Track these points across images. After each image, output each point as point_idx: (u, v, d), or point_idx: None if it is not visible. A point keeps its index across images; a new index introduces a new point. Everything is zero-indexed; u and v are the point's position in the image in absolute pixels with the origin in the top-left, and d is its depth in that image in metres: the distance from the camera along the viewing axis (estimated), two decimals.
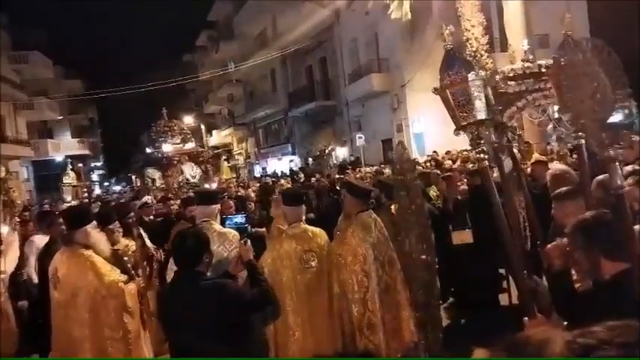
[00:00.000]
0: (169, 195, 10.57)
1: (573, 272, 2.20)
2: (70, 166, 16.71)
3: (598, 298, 1.84)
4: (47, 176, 32.03)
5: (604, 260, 1.88)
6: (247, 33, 30.72)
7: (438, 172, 7.82)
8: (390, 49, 19.72)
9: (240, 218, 3.71)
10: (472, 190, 6.03)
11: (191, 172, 12.74)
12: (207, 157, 13.98)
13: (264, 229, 6.02)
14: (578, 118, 1.89)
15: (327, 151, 23.39)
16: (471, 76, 2.57)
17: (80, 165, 27.26)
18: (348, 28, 22.32)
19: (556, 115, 4.01)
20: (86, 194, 16.90)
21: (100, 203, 12.33)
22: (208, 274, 2.79)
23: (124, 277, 3.68)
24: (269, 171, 26.29)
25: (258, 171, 29.73)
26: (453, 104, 2.62)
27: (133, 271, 3.86)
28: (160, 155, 12.98)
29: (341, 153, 23.48)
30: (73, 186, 15.56)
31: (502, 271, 5.99)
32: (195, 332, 2.51)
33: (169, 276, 3.34)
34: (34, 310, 4.94)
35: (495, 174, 3.36)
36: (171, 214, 7.69)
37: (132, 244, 4.37)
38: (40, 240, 5.22)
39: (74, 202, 12.74)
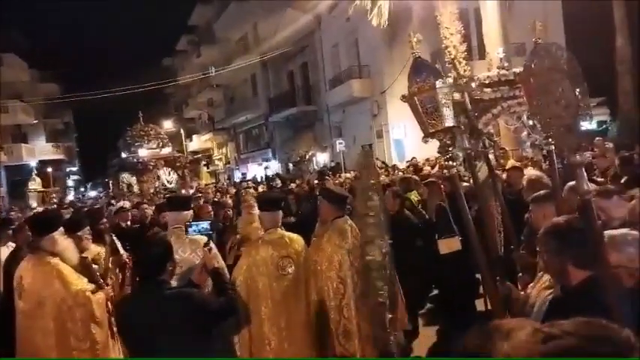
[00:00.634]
0: (144, 200, 10.39)
1: (544, 279, 2.20)
2: (35, 172, 16.34)
3: (566, 305, 1.83)
4: (20, 181, 31.23)
5: (571, 267, 1.88)
6: (228, 38, 30.60)
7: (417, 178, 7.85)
8: (371, 55, 19.86)
9: (205, 224, 3.62)
10: (449, 197, 6.04)
11: (167, 177, 12.55)
12: (184, 162, 13.82)
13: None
14: (547, 124, 1.90)
15: (307, 157, 23.37)
16: (438, 83, 2.56)
17: (49, 170, 26.62)
18: (329, 34, 22.42)
19: (530, 122, 4.05)
20: (55, 200, 16.51)
21: (72, 209, 12.04)
22: (174, 283, 2.71)
23: (92, 286, 3.56)
24: (249, 176, 26.11)
25: (237, 176, 29.51)
26: (421, 111, 2.61)
27: (101, 280, 3.75)
28: (135, 160, 12.77)
29: (321, 158, 23.49)
30: (39, 192, 15.20)
31: (478, 276, 6.01)
32: (157, 345, 2.41)
33: None
34: None
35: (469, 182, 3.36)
36: (145, 220, 7.53)
37: (103, 251, 4.25)
38: (6, 250, 5.03)
39: (40, 209, 12.40)
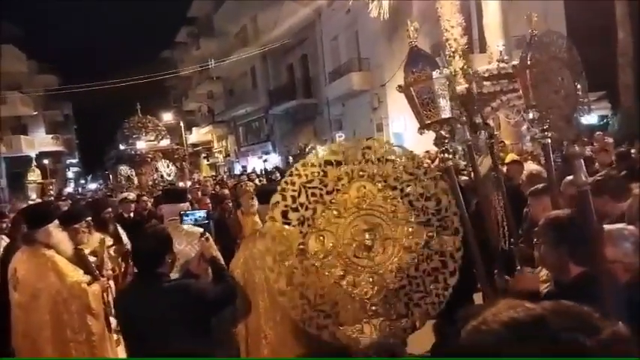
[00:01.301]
0: (142, 193, 10.36)
1: (542, 274, 2.18)
2: (34, 163, 16.29)
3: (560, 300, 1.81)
4: (20, 173, 31.18)
5: (568, 260, 1.86)
6: (228, 30, 30.41)
7: None
8: (371, 48, 19.75)
9: (201, 213, 3.56)
10: None
11: (166, 169, 12.51)
12: (182, 154, 13.78)
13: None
14: (544, 115, 1.86)
15: (307, 150, 23.32)
16: (435, 73, 2.52)
17: (46, 162, 26.52)
18: (329, 27, 22.27)
19: (530, 116, 4.02)
20: (53, 192, 16.46)
21: (70, 201, 12.00)
22: (176, 275, 2.69)
23: (87, 278, 3.54)
24: (249, 169, 26.06)
25: (238, 169, 29.45)
26: (417, 102, 2.58)
27: (97, 272, 3.72)
28: (132, 152, 12.71)
29: (321, 151, 23.39)
30: (38, 183, 15.15)
31: None
32: (157, 337, 2.40)
33: None
34: None
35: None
36: (145, 212, 7.51)
37: (108, 240, 4.25)
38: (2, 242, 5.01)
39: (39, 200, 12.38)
